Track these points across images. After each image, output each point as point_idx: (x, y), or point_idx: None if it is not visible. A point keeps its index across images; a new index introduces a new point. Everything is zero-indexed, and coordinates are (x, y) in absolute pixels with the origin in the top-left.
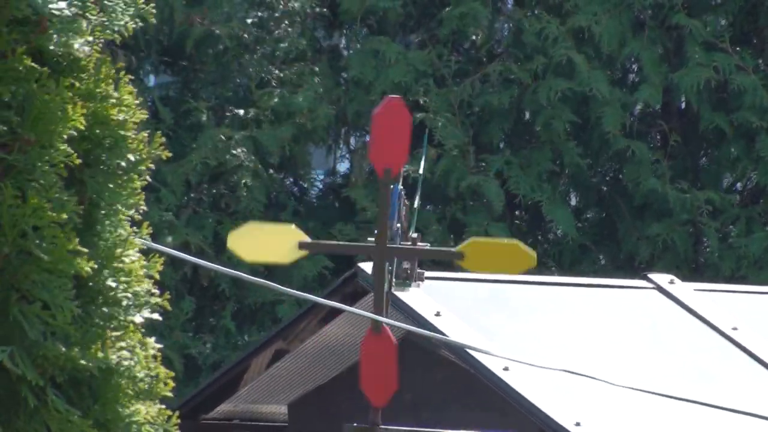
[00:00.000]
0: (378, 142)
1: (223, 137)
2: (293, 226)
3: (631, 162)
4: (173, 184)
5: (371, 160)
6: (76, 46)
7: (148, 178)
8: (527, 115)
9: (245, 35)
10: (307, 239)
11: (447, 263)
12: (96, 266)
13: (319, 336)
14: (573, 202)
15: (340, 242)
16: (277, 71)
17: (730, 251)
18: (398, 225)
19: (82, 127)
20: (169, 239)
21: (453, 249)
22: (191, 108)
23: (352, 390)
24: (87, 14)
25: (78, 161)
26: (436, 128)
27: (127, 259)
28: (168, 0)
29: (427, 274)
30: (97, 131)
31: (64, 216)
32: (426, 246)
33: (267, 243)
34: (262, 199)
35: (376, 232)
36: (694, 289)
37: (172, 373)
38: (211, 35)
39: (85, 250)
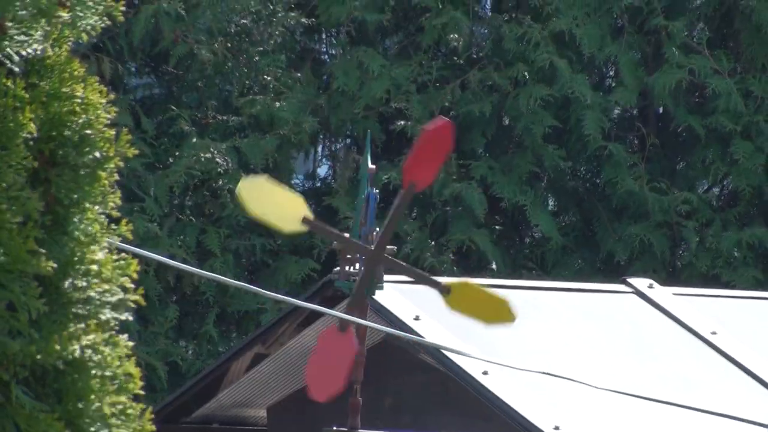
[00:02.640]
0: (417, 156)
1: (208, 149)
2: (302, 198)
3: (609, 164)
4: (158, 194)
5: (403, 168)
6: (35, 46)
7: (134, 189)
8: (507, 121)
9: (228, 45)
10: (311, 216)
11: (425, 267)
12: (61, 265)
13: (298, 339)
14: (551, 205)
15: (340, 232)
16: (260, 77)
17: (706, 251)
18: (377, 230)
19: (34, 132)
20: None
21: (442, 281)
22: (174, 116)
23: None
24: (53, 12)
25: (35, 163)
26: (416, 135)
27: (94, 257)
28: (154, 15)
29: (407, 278)
30: (63, 130)
31: (18, 218)
32: (417, 270)
33: (274, 203)
34: None
35: (359, 235)
36: (673, 294)
37: (140, 372)
38: (195, 53)
39: (42, 250)
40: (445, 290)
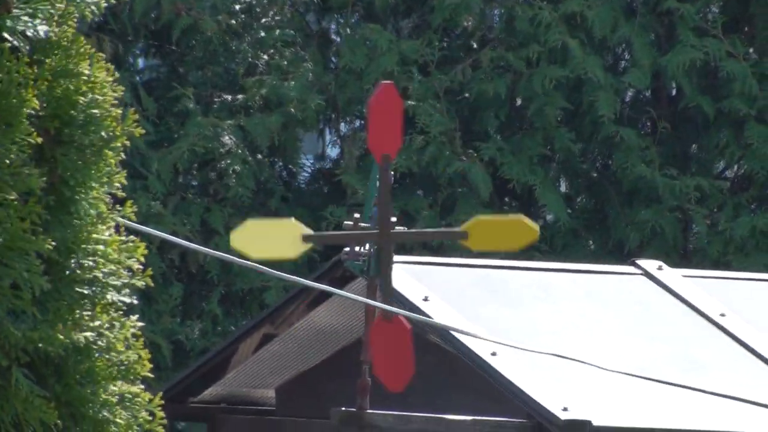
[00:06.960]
0: (375, 129)
1: (210, 127)
2: (293, 219)
3: (620, 148)
4: (161, 171)
5: (370, 147)
6: (40, 28)
7: (137, 167)
8: (519, 102)
9: (233, 21)
10: (310, 231)
11: (435, 248)
12: (66, 244)
13: (307, 320)
14: (563, 188)
15: (342, 232)
16: (266, 57)
17: (717, 236)
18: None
19: (37, 108)
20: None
21: (456, 229)
22: (179, 95)
23: (340, 374)
24: None
25: (39, 140)
26: (420, 115)
27: (100, 237)
28: None
29: (416, 259)
30: (69, 108)
31: (13, 195)
32: (426, 230)
33: (270, 239)
34: (251, 185)
35: (371, 217)
36: (682, 276)
37: (149, 354)
38: (198, 25)
39: (40, 228)
40: (461, 235)
